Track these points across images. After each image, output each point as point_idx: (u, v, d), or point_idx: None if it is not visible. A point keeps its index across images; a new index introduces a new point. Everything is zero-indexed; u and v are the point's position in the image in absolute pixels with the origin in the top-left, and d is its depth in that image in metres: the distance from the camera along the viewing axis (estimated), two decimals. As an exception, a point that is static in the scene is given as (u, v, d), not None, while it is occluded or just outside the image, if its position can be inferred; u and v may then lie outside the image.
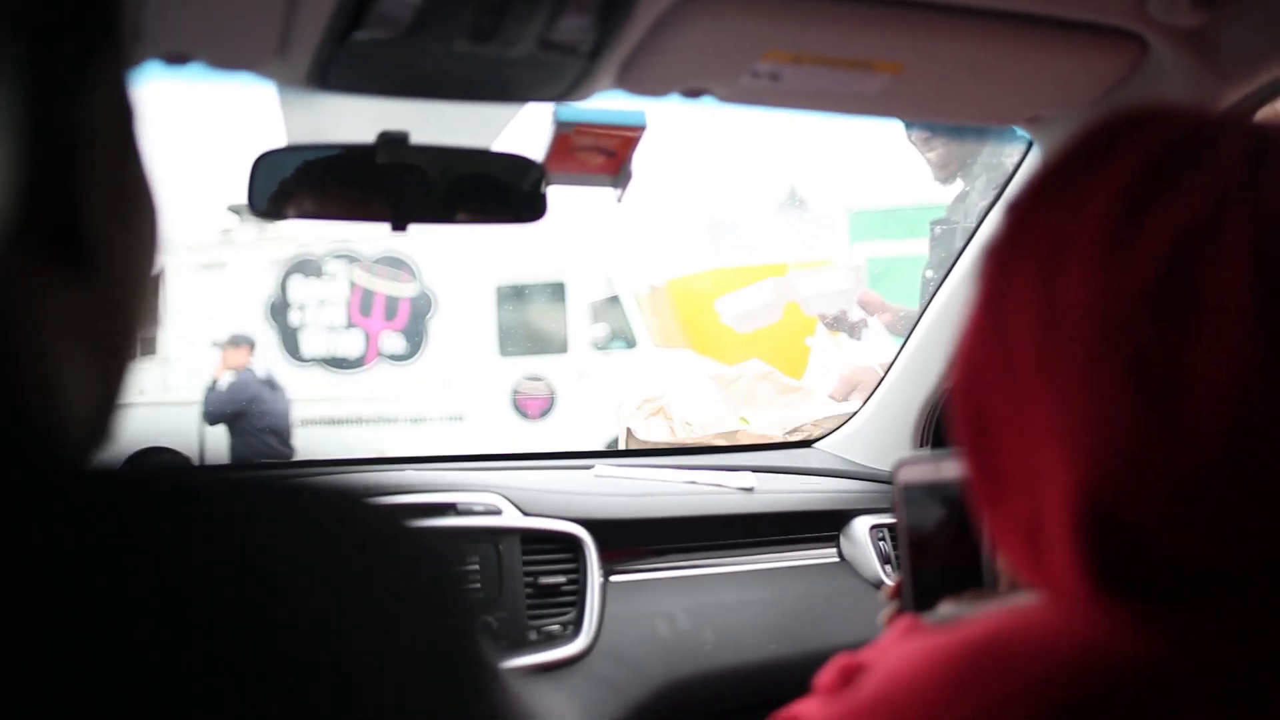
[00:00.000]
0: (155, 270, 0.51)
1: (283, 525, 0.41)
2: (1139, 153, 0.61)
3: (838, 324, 3.89)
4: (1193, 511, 0.58)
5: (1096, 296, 0.59)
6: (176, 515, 0.39)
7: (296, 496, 0.42)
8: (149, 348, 10.48)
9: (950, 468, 1.13)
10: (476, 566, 1.57)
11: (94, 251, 0.46)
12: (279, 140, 1.29)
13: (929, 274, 3.19)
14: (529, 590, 1.59)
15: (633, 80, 1.18)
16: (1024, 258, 0.63)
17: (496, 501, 1.67)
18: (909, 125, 3.19)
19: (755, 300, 4.04)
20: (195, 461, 9.82)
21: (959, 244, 1.91)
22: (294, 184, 1.27)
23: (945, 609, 0.99)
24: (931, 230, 3.41)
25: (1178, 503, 0.58)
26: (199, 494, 0.41)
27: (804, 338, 4.12)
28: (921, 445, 1.93)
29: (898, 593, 1.12)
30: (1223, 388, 0.56)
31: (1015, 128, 1.47)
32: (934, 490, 1.13)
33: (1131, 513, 0.59)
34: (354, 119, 1.25)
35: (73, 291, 0.46)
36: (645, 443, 3.67)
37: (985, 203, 1.75)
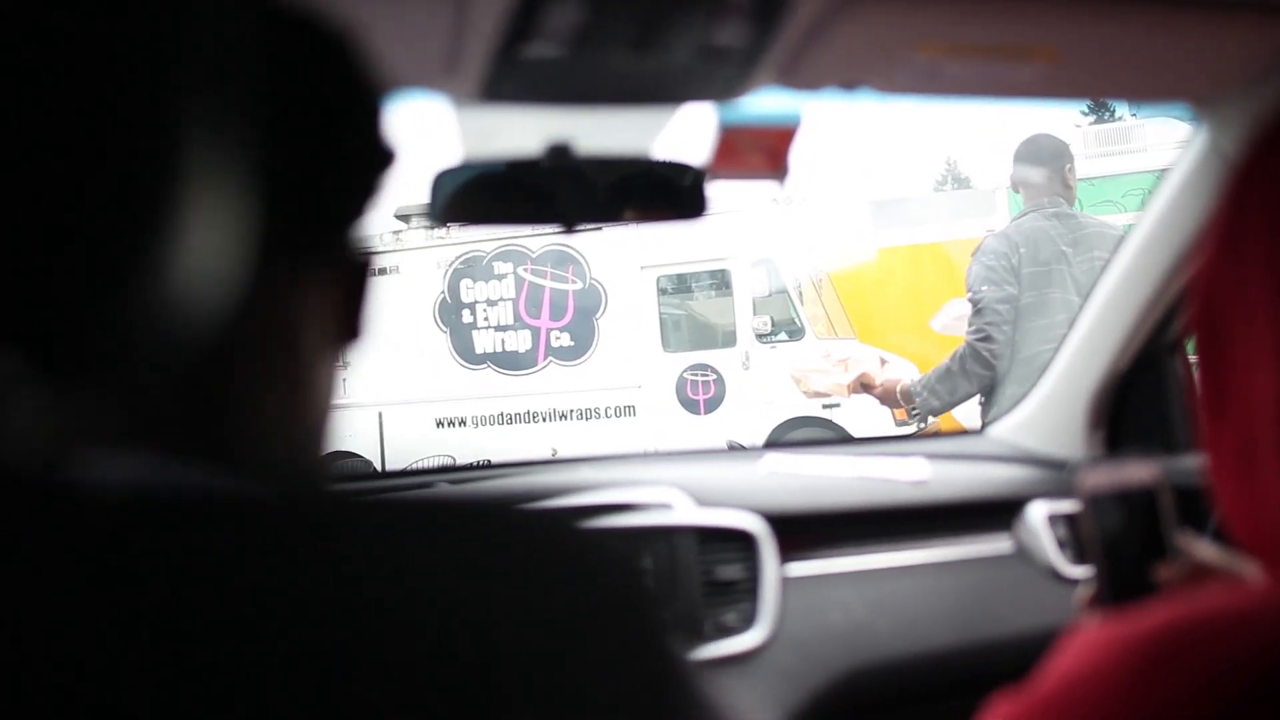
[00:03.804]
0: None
1: (480, 557, 0.41)
2: None
3: None
4: None
5: None
6: (369, 547, 0.40)
7: (489, 523, 0.43)
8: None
9: (1132, 471, 1.13)
10: (650, 564, 1.60)
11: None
12: (454, 147, 1.35)
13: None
14: (704, 584, 1.61)
15: (789, 78, 1.20)
16: (1260, 185, 0.67)
17: (671, 495, 1.70)
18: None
19: (954, 312, 5.24)
20: (376, 464, 10.12)
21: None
22: (470, 194, 1.32)
23: None
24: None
25: None
26: (394, 525, 0.42)
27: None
28: (1095, 429, 1.89)
29: (1094, 601, 1.12)
30: None
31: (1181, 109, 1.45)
32: (1119, 494, 1.13)
33: None
34: (525, 122, 1.29)
35: (324, 289, 0.55)
36: (812, 390, 4.70)
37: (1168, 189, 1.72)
